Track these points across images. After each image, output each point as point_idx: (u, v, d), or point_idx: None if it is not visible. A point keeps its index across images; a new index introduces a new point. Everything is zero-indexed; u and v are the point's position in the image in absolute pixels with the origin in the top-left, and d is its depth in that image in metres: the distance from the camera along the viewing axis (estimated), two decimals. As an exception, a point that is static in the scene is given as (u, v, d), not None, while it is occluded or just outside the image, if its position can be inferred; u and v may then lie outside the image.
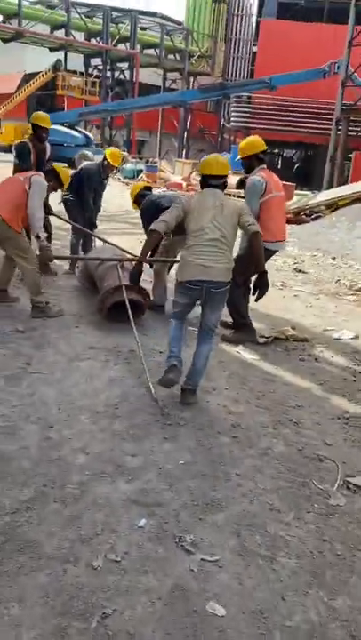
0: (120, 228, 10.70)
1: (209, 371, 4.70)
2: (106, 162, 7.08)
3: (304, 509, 3.08)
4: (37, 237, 5.52)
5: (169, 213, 4.07)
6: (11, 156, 7.60)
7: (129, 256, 6.12)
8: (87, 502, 2.98)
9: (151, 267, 6.30)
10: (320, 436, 3.86)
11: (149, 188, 6.83)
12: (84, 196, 7.06)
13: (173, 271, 5.97)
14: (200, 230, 3.94)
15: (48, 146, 7.23)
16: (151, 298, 5.77)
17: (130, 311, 4.96)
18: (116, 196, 15.04)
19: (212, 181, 4.11)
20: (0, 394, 4.03)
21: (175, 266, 5.57)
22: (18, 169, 6.68)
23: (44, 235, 5.67)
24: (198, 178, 4.34)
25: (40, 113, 7.15)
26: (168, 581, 2.50)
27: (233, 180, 6.55)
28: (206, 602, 2.41)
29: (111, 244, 6.75)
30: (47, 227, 6.89)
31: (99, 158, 8.06)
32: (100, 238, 7.25)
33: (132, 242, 8.62)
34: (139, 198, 6.37)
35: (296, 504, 3.12)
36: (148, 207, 5.94)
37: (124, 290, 5.13)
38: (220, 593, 2.47)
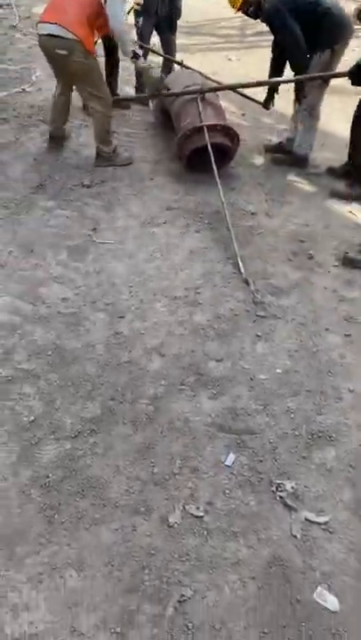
0: (204, 44, 8.89)
1: (313, 238, 3.76)
2: None
3: None
4: (134, 57, 4.26)
5: None
6: None
7: (214, 85, 4.84)
8: (162, 425, 2.41)
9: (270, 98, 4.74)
10: None
11: None
12: None
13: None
14: None
15: None
16: (240, 140, 4.53)
17: (213, 160, 3.93)
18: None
19: None
20: (63, 270, 3.39)
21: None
22: None
23: (139, 51, 4.40)
24: None
25: None
26: (264, 551, 1.96)
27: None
28: (314, 586, 1.86)
29: (188, 69, 5.36)
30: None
31: None
32: (174, 61, 5.83)
33: (219, 62, 7.09)
34: None
35: None
36: (282, 3, 3.90)
37: (206, 132, 4.04)
38: (330, 573, 1.91)
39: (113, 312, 3.07)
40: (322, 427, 2.43)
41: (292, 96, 4.38)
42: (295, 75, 4.13)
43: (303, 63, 4.03)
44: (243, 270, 3.37)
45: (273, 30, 4.13)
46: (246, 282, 3.30)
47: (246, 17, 4.30)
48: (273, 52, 4.40)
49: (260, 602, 1.82)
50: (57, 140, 4.75)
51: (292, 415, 2.48)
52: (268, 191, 4.29)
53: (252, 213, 4.00)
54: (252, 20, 4.36)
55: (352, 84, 3.80)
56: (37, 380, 2.62)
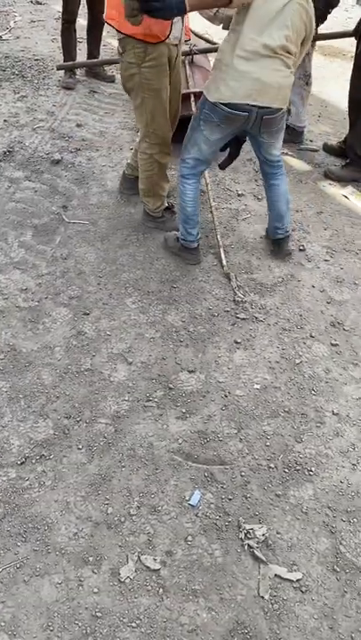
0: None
1: (302, 226, 3.38)
2: None
3: None
4: None
5: None
6: None
7: (205, 45, 4.32)
8: (122, 452, 2.10)
9: None
10: None
11: None
12: None
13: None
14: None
15: None
16: None
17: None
18: None
19: None
20: (26, 254, 2.99)
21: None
22: None
23: None
24: None
25: None
26: (226, 615, 1.68)
27: None
28: (280, 664, 1.60)
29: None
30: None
31: None
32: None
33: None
34: None
35: None
36: None
37: (193, 100, 3.56)
38: (301, 647, 1.64)
39: (77, 307, 2.70)
40: (300, 457, 2.13)
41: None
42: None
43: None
44: (224, 263, 3.00)
45: None
46: (227, 276, 2.94)
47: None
48: None
49: None
50: None
51: (268, 442, 2.18)
52: (258, 169, 3.84)
53: (239, 195, 3.59)
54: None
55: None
56: (-15, 389, 2.29)
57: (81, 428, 2.17)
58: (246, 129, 2.56)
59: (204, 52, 4.04)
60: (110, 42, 5.46)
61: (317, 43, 4.03)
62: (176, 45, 2.72)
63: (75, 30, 4.57)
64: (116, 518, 1.89)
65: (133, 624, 1.64)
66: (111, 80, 4.89)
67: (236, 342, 2.59)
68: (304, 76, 3.85)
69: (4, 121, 4.08)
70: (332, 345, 2.62)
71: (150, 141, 2.86)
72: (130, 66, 2.62)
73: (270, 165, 2.85)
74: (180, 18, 2.57)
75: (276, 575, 1.78)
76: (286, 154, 4.04)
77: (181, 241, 2.97)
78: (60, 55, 4.73)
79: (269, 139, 2.65)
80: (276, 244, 3.09)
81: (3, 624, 1.62)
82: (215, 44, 4.30)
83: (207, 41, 4.51)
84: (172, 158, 3.12)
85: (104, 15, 2.70)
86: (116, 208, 3.39)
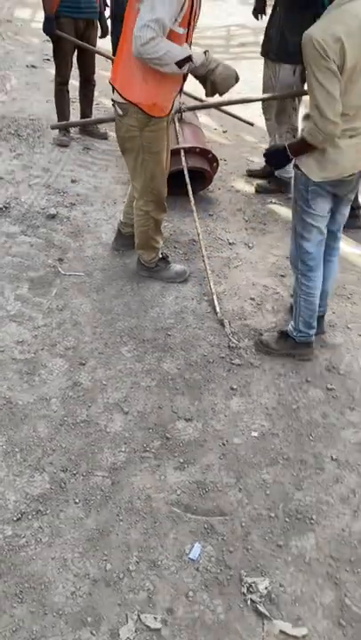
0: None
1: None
2: None
3: None
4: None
5: None
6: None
7: (195, 102, 4.49)
8: (120, 505, 2.05)
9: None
10: None
11: None
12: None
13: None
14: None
15: None
16: (218, 162, 4.16)
17: (189, 188, 3.57)
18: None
19: None
20: (22, 307, 3.01)
21: None
22: None
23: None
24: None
25: None
26: None
27: None
28: None
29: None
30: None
31: None
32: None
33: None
34: None
35: None
36: None
37: (183, 155, 3.68)
38: None
39: (73, 358, 2.70)
40: (301, 505, 2.09)
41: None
42: None
43: None
44: (218, 309, 3.03)
45: None
46: (221, 323, 2.96)
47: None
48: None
49: None
50: None
51: (268, 491, 2.14)
52: (248, 218, 3.95)
53: (230, 243, 3.66)
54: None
55: None
56: (-20, 444, 2.25)
57: (77, 482, 2.13)
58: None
59: (193, 109, 4.20)
60: (102, 101, 5.67)
61: (303, 97, 4.17)
62: None
63: (67, 91, 4.76)
64: (114, 575, 1.83)
65: None
66: (104, 137, 5.05)
67: (232, 389, 2.58)
68: (291, 130, 4.00)
69: (1, 178, 4.19)
70: (328, 389, 2.62)
71: (147, 199, 2.90)
72: (131, 128, 2.65)
73: (337, 238, 2.68)
74: (179, 92, 2.71)
75: (280, 631, 1.72)
76: (275, 202, 4.15)
77: (300, 337, 2.71)
78: (55, 115, 4.90)
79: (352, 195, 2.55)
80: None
81: None
82: (203, 100, 4.48)
83: (195, 98, 4.69)
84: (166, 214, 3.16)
85: (109, 78, 2.77)
86: (111, 259, 3.45)
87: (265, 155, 2.60)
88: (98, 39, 4.79)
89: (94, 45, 4.72)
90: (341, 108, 2.08)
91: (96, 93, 5.10)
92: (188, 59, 2.39)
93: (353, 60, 2.01)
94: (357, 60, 2.02)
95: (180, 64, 2.37)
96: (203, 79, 2.61)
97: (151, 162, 2.76)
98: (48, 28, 4.40)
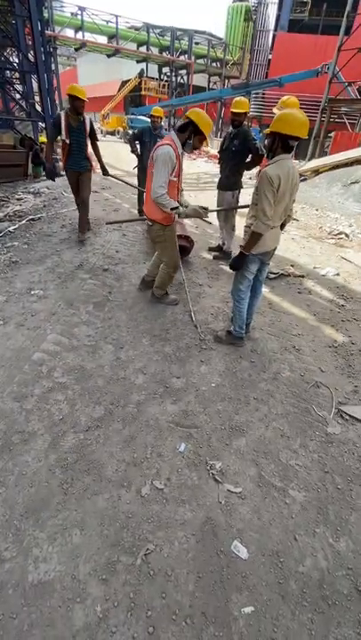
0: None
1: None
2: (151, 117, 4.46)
3: (308, 437, 2.06)
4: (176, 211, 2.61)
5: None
6: (115, 138, 5.54)
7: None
8: (141, 423, 2.05)
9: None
10: (316, 363, 2.70)
11: None
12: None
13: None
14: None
15: (87, 119, 3.76)
16: (194, 242, 4.19)
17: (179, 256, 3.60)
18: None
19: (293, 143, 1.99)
20: (89, 317, 3.01)
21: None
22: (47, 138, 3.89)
23: (175, 204, 2.69)
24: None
25: (75, 85, 3.50)
26: (200, 514, 1.61)
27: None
28: (231, 540, 1.52)
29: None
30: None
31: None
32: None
33: (185, 197, 6.80)
34: None
35: (302, 430, 2.10)
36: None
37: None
38: (242, 529, 1.57)
39: (116, 344, 2.70)
40: (238, 423, 2.11)
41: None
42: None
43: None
44: (194, 319, 3.05)
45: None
46: (196, 326, 2.98)
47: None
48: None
49: (197, 553, 1.47)
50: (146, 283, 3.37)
51: (220, 415, 2.15)
52: (209, 272, 3.99)
53: (200, 284, 3.69)
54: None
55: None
56: (66, 390, 2.23)
57: (119, 410, 2.12)
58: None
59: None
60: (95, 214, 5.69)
61: (238, 210, 4.20)
62: None
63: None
64: (138, 460, 1.83)
65: (150, 520, 1.56)
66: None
67: (202, 361, 2.60)
68: (232, 228, 4.07)
69: (79, 249, 4.18)
70: (251, 362, 2.64)
71: (169, 266, 2.95)
72: (159, 231, 2.72)
73: (261, 282, 2.62)
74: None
75: (227, 490, 1.72)
76: (223, 264, 4.21)
77: (237, 334, 2.70)
78: (105, 216, 4.89)
79: (269, 261, 2.53)
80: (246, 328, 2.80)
81: (76, 522, 1.53)
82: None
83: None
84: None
85: (139, 209, 2.77)
86: (137, 293, 3.46)
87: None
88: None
89: (87, 183, 4.06)
90: (272, 213, 2.14)
91: (100, 209, 5.09)
92: (176, 208, 2.53)
93: (282, 189, 2.07)
94: (284, 190, 2.09)
95: (172, 209, 2.50)
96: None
97: (171, 245, 2.84)
98: (49, 174, 3.93)
